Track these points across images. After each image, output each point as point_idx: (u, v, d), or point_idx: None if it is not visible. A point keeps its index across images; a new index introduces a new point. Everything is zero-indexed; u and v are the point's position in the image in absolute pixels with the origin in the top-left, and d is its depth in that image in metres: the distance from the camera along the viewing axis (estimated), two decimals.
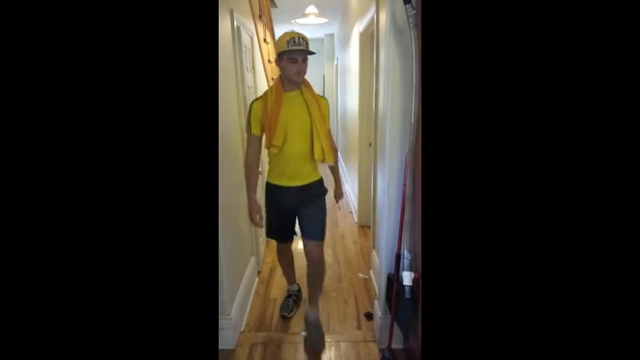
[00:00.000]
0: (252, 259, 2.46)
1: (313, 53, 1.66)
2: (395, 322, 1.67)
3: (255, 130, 1.67)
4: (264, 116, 1.63)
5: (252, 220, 1.77)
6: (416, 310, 1.51)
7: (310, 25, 4.80)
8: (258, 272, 2.59)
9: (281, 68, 1.64)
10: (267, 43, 3.30)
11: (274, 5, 3.98)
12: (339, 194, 2.03)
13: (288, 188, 1.75)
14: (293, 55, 1.57)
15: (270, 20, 3.59)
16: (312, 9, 4.05)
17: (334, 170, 1.94)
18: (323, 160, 1.71)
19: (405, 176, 1.52)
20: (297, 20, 4.49)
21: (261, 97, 1.68)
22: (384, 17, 1.66)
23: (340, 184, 2.01)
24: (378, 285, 1.91)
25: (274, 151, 1.64)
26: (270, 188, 1.82)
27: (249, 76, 2.36)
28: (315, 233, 1.81)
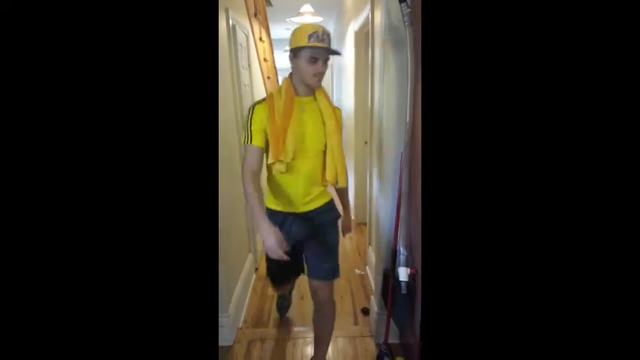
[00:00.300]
0: (250, 256, 2.47)
1: (338, 53, 1.38)
2: (391, 318, 1.69)
3: (258, 141, 1.29)
4: (271, 124, 1.28)
5: (274, 253, 1.17)
6: (412, 305, 1.53)
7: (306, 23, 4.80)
8: (256, 269, 2.60)
9: (295, 67, 1.31)
10: (263, 41, 3.30)
11: (269, 4, 3.98)
12: (348, 226, 1.64)
13: (294, 215, 1.41)
14: (315, 53, 1.25)
15: (266, 19, 3.59)
16: (307, 8, 4.06)
17: (343, 194, 1.59)
18: (335, 183, 1.41)
19: (400, 173, 1.54)
20: (293, 19, 4.49)
21: (263, 100, 1.33)
22: (379, 16, 1.67)
23: (349, 212, 1.64)
24: (375, 281, 1.93)
25: (281, 168, 1.31)
26: (269, 216, 1.37)
27: (245, 74, 2.37)
28: (328, 271, 1.47)
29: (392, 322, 1.70)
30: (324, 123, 1.36)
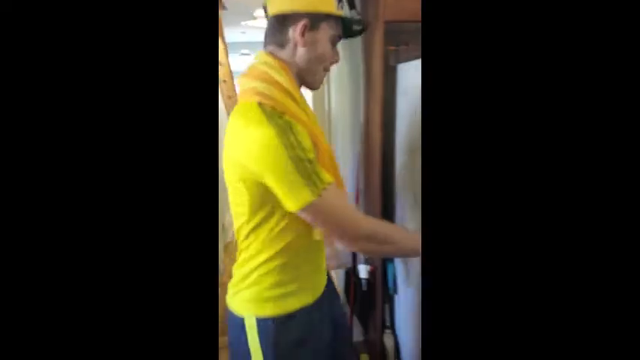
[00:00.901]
0: None
1: (363, 31, 0.87)
2: (354, 315, 1.73)
3: (329, 175, 0.72)
4: (320, 153, 0.75)
5: None
6: (373, 302, 1.57)
7: (261, 27, 4.80)
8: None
9: (304, 47, 0.75)
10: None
11: (224, 7, 3.93)
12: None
13: (325, 296, 0.87)
14: (340, 29, 0.80)
15: (220, 23, 3.54)
16: (261, 12, 4.06)
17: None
18: None
19: (357, 173, 1.58)
20: (247, 22, 4.47)
21: (276, 110, 0.68)
22: None
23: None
24: (337, 280, 1.96)
25: None
26: (302, 319, 0.80)
27: None
28: None
29: (355, 320, 1.74)
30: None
